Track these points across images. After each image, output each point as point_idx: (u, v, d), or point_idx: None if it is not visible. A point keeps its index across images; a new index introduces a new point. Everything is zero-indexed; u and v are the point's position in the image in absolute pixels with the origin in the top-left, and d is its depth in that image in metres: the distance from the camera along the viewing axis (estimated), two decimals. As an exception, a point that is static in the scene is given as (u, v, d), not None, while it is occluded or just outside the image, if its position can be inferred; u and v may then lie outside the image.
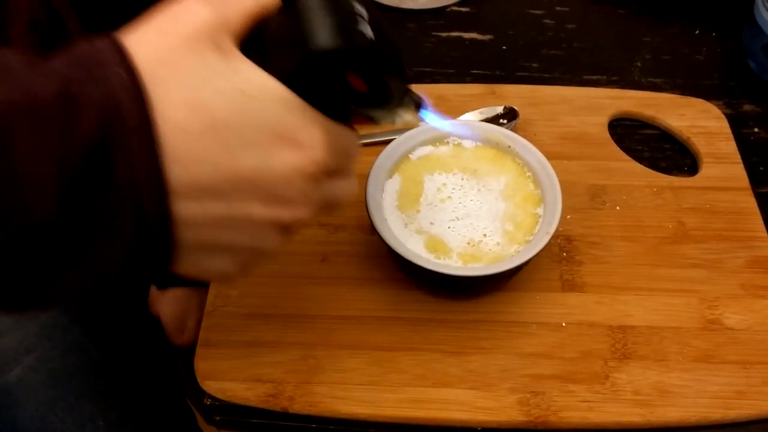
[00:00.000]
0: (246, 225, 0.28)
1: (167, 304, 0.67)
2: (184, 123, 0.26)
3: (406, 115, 0.37)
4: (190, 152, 0.26)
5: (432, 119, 0.44)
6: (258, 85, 0.28)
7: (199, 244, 0.28)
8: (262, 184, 0.28)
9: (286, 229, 0.30)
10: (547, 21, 0.71)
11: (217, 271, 0.30)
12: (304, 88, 0.29)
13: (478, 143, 0.52)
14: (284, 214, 0.29)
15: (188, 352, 0.67)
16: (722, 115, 0.60)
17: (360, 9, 0.31)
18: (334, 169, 0.31)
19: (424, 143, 0.52)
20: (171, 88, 0.26)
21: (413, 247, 0.46)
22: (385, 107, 0.35)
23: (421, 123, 0.40)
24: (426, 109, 0.39)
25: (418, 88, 0.60)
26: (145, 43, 0.27)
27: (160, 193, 0.26)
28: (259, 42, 0.30)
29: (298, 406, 0.44)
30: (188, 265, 0.29)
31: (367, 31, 0.30)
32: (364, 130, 0.35)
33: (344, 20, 0.30)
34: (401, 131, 0.52)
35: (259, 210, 0.28)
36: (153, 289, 0.68)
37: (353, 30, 0.30)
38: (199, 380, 0.46)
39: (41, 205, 0.23)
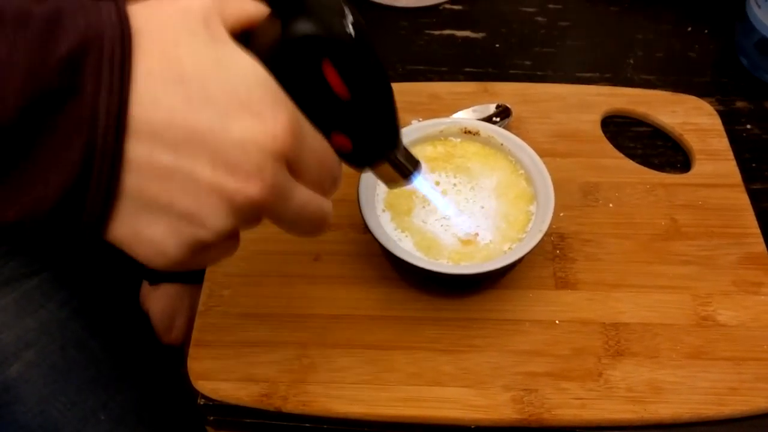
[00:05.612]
0: (190, 184, 0.28)
1: (157, 300, 0.67)
2: (154, 69, 0.27)
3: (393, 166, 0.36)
4: (151, 95, 0.27)
5: (421, 184, 0.42)
6: (235, 59, 0.29)
7: (139, 195, 0.28)
8: (214, 144, 0.27)
9: (232, 204, 0.28)
10: (539, 18, 0.71)
11: (154, 241, 0.29)
12: (282, 77, 0.29)
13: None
14: (231, 183, 0.28)
15: (176, 351, 0.67)
16: (714, 112, 0.60)
17: (347, 12, 0.31)
18: (308, 175, 0.31)
19: (417, 142, 0.52)
20: (153, 40, 0.27)
21: (406, 246, 0.46)
22: (366, 136, 0.34)
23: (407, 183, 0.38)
24: (417, 174, 0.38)
25: (411, 87, 0.62)
26: (142, 6, 0.28)
27: (116, 127, 0.26)
28: (244, 42, 0.30)
29: (292, 406, 0.44)
30: (125, 223, 0.28)
31: (349, 28, 0.30)
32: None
33: (324, 15, 0.30)
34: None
35: (206, 171, 0.27)
36: (144, 285, 0.68)
37: (332, 22, 0.30)
38: (192, 380, 0.45)
39: (3, 106, 0.25)
